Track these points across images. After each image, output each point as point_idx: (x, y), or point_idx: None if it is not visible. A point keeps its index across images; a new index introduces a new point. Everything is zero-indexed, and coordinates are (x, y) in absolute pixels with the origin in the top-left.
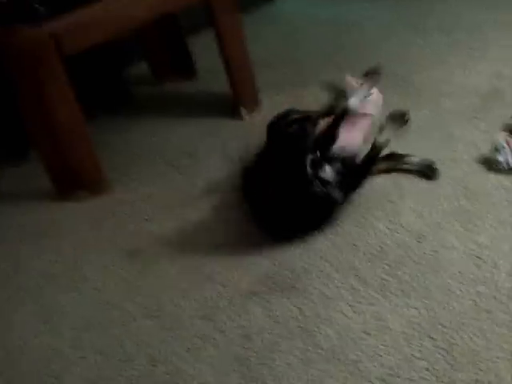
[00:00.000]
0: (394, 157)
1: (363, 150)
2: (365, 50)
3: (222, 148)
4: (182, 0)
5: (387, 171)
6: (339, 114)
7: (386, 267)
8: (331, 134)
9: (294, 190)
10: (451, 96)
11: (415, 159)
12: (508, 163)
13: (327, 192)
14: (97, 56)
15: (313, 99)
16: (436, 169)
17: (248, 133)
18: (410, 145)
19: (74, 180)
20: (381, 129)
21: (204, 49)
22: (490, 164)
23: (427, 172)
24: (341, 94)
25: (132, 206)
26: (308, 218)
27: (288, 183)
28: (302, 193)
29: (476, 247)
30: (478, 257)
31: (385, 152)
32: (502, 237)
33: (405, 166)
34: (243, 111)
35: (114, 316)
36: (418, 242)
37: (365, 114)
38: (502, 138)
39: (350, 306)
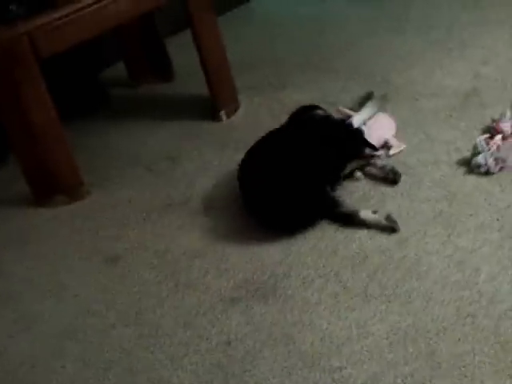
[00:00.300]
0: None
1: None
2: (344, 49)
3: (201, 150)
4: (158, 1)
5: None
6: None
7: (368, 272)
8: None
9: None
10: (430, 96)
11: (381, 162)
12: (488, 165)
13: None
14: (73, 57)
15: (292, 100)
16: (399, 173)
17: (227, 135)
18: None
19: (52, 184)
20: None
21: (182, 50)
22: (470, 166)
23: (392, 176)
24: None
25: (111, 210)
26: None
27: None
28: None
29: (457, 251)
30: (459, 261)
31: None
32: (482, 240)
33: (371, 170)
34: (222, 113)
35: (93, 323)
36: (399, 246)
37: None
38: (482, 139)
39: (331, 311)
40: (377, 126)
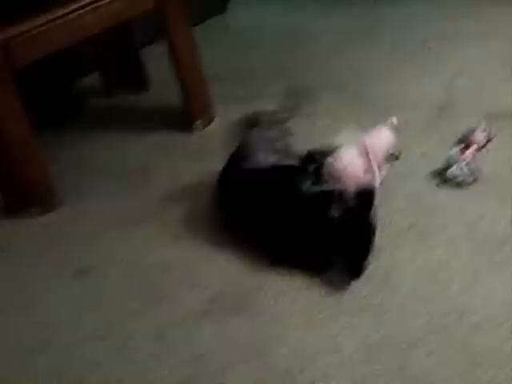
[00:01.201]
0: None
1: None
2: (318, 61)
3: (175, 161)
4: (134, 11)
5: None
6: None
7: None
8: None
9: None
10: (405, 109)
11: None
12: (463, 176)
13: None
14: (48, 67)
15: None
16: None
17: (202, 146)
18: None
19: (25, 195)
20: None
21: (157, 60)
22: (443, 177)
23: None
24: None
25: (83, 222)
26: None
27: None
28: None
29: (430, 263)
30: (431, 273)
31: None
32: (455, 252)
33: None
34: (197, 124)
35: (64, 337)
36: (372, 257)
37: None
38: (456, 150)
39: (303, 324)
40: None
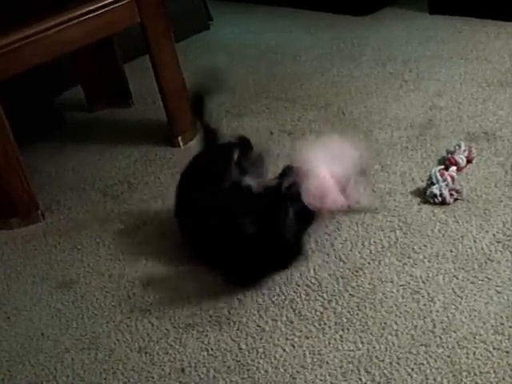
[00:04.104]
0: None
1: None
2: (301, 79)
3: (157, 176)
4: (118, 25)
5: None
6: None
7: (323, 300)
8: None
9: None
10: (386, 128)
11: None
12: (442, 196)
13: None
14: (29, 80)
15: (249, 128)
16: None
17: (184, 161)
18: None
19: (7, 207)
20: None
21: (140, 75)
22: (424, 196)
23: None
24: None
25: (65, 234)
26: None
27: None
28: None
29: (412, 280)
30: (414, 290)
31: None
32: (437, 270)
33: None
34: (179, 139)
35: (47, 348)
36: (355, 274)
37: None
38: (436, 170)
39: (286, 339)
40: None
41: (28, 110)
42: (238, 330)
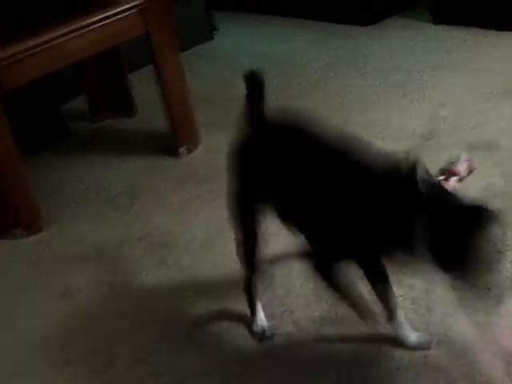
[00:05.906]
0: None
1: None
2: (303, 90)
3: (160, 186)
4: (124, 36)
5: None
6: None
7: (322, 310)
8: None
9: None
10: (388, 138)
11: None
12: None
13: None
14: (33, 90)
15: None
16: None
17: (187, 171)
18: None
19: (10, 218)
20: None
21: (144, 85)
22: None
23: None
24: None
25: (68, 244)
26: None
27: None
28: None
29: (411, 291)
30: (413, 301)
31: None
32: (435, 281)
33: None
34: (182, 149)
35: (48, 359)
36: None
37: None
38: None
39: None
40: None
41: (32, 120)
42: (237, 340)
